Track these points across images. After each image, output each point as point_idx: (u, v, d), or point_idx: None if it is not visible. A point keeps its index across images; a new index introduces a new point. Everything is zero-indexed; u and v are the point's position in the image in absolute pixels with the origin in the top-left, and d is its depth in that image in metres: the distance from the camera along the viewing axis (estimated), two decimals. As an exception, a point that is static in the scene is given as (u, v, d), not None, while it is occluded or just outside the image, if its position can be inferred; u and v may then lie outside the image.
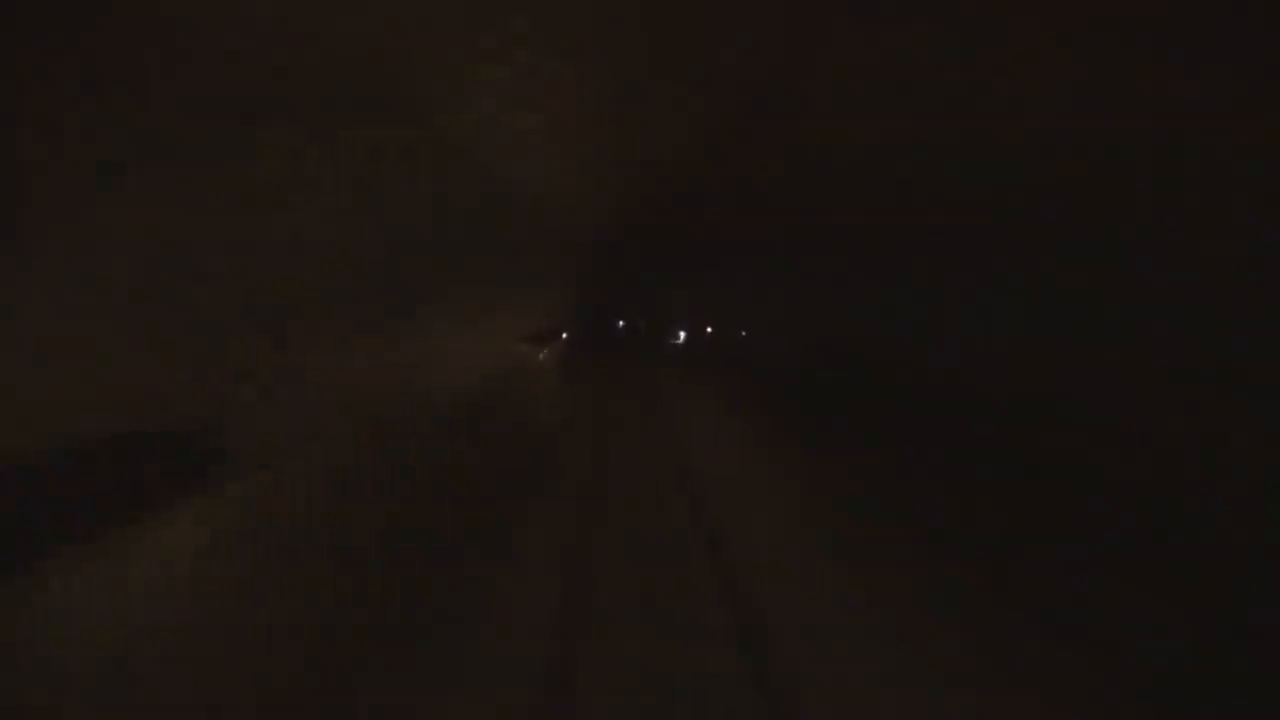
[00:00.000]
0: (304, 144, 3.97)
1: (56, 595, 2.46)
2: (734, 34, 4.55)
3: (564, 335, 20.70)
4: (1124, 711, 2.68)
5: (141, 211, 3.02)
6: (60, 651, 2.43)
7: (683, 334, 28.51)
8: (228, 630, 2.93)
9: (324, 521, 4.25)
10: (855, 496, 5.65)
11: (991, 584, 3.94)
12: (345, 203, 4.76)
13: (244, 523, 3.62)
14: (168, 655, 2.69)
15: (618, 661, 2.85)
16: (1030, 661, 3.02)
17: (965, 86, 4.81)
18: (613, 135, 6.95)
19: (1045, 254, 7.14)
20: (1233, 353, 5.30)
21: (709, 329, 27.59)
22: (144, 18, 2.47)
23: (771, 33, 4.48)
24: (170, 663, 2.65)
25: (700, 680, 2.74)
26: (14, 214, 2.45)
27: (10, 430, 2.64)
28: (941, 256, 9.02)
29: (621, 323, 30.79)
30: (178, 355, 3.53)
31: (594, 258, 20.07)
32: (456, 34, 4.23)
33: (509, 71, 4.97)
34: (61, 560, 2.57)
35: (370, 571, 3.72)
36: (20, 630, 2.29)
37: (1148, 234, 5.56)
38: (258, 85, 3.32)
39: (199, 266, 3.50)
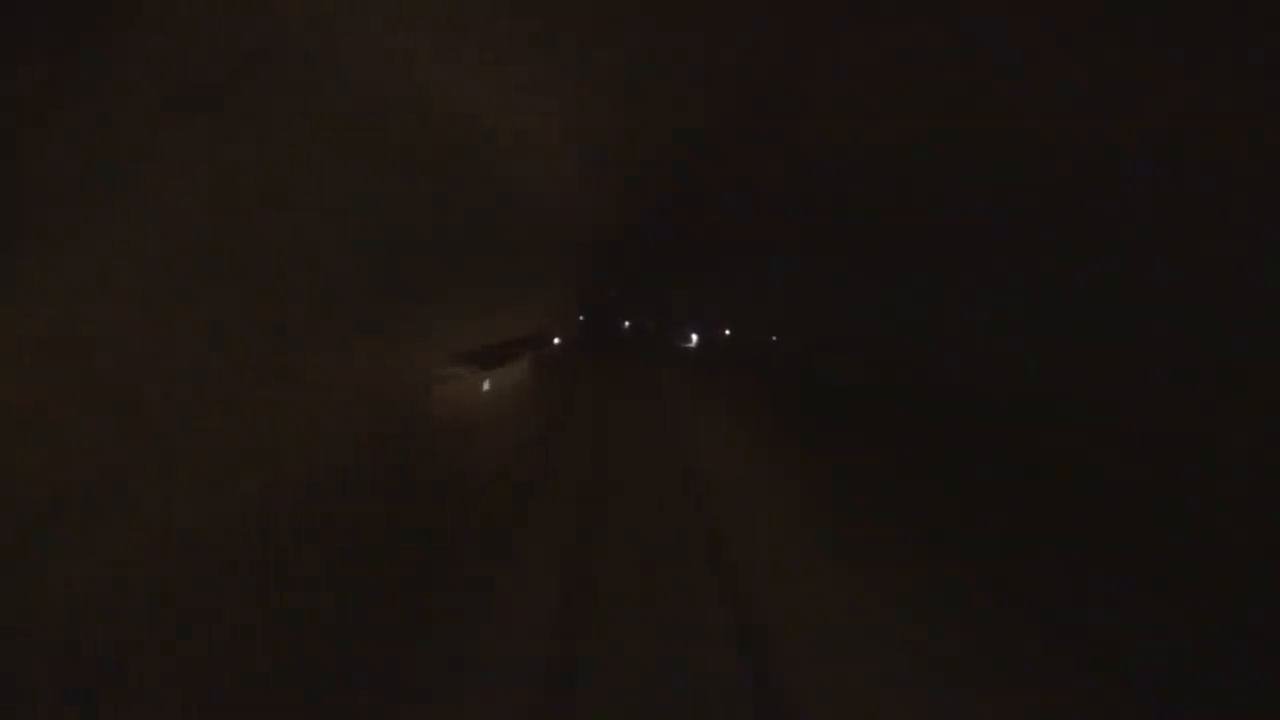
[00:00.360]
0: (304, 144, 3.97)
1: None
2: (734, 34, 4.55)
3: (556, 340, 16.96)
4: (1124, 711, 2.68)
5: (142, 212, 3.02)
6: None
7: (695, 336, 25.19)
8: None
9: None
10: (856, 497, 5.66)
11: (992, 584, 3.94)
12: (345, 203, 4.76)
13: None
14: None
15: (618, 660, 2.85)
16: (1031, 661, 3.02)
17: (965, 86, 4.81)
18: (614, 134, 6.95)
19: (1045, 254, 7.14)
20: (1233, 353, 5.31)
21: (726, 331, 24.39)
22: (145, 18, 2.48)
23: (771, 33, 4.48)
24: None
25: (700, 680, 2.74)
26: (14, 213, 2.45)
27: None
28: (950, 256, 9.01)
29: (627, 323, 28.91)
30: (178, 354, 3.53)
31: (595, 257, 19.77)
32: (458, 35, 4.23)
33: (510, 72, 4.97)
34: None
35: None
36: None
37: (1148, 234, 5.57)
38: (258, 85, 3.32)
39: (201, 265, 3.50)
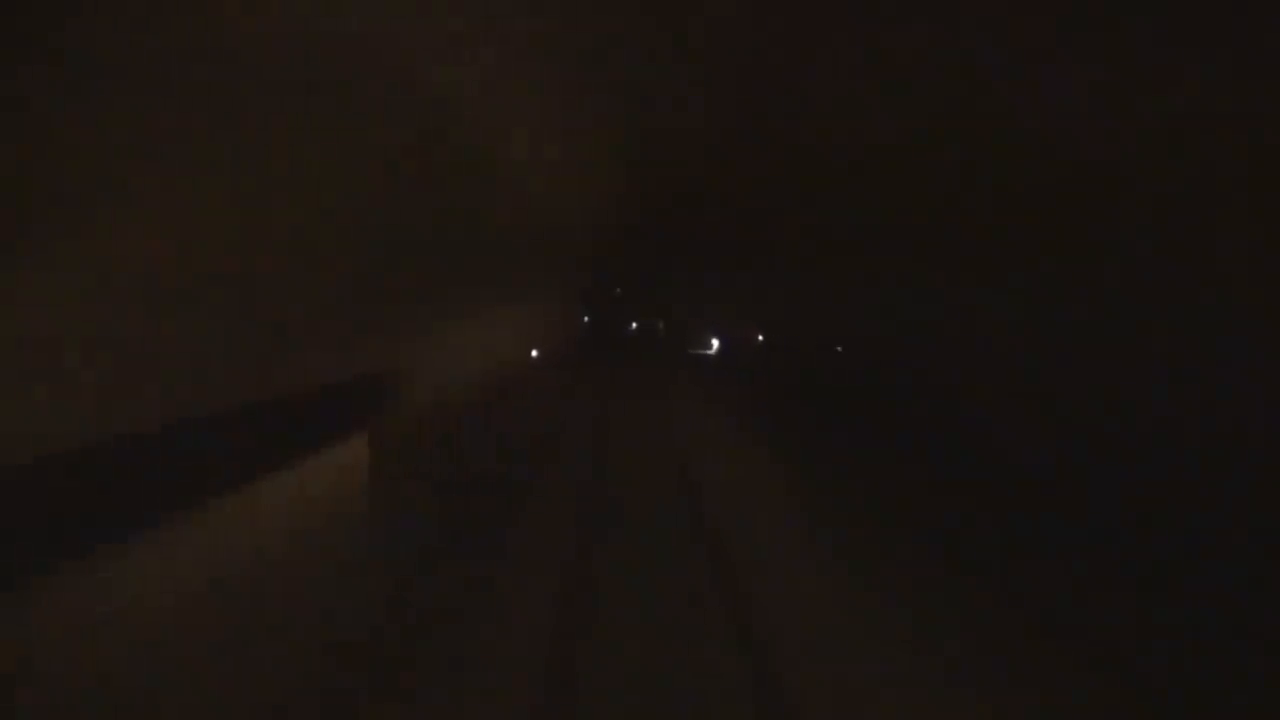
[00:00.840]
0: (304, 144, 3.97)
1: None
2: (735, 34, 4.55)
3: (534, 353, 12.83)
4: (1124, 711, 2.68)
5: (142, 212, 3.02)
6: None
7: (715, 341, 21.07)
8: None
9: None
10: (858, 507, 5.66)
11: (994, 585, 3.94)
12: (344, 203, 4.76)
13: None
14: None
15: (618, 662, 2.84)
16: (1032, 662, 3.02)
17: (966, 86, 4.80)
18: (614, 133, 6.95)
19: (1045, 254, 7.13)
20: (1233, 353, 5.30)
21: (759, 336, 20.11)
22: (145, 18, 2.48)
23: (772, 32, 4.47)
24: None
25: (701, 680, 2.73)
26: (14, 213, 2.45)
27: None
28: (953, 257, 8.99)
29: (634, 325, 26.24)
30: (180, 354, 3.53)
31: (597, 256, 19.44)
32: (459, 36, 4.23)
33: (510, 71, 4.97)
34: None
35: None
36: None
37: (1148, 234, 5.56)
38: (257, 86, 3.32)
39: (199, 267, 3.50)
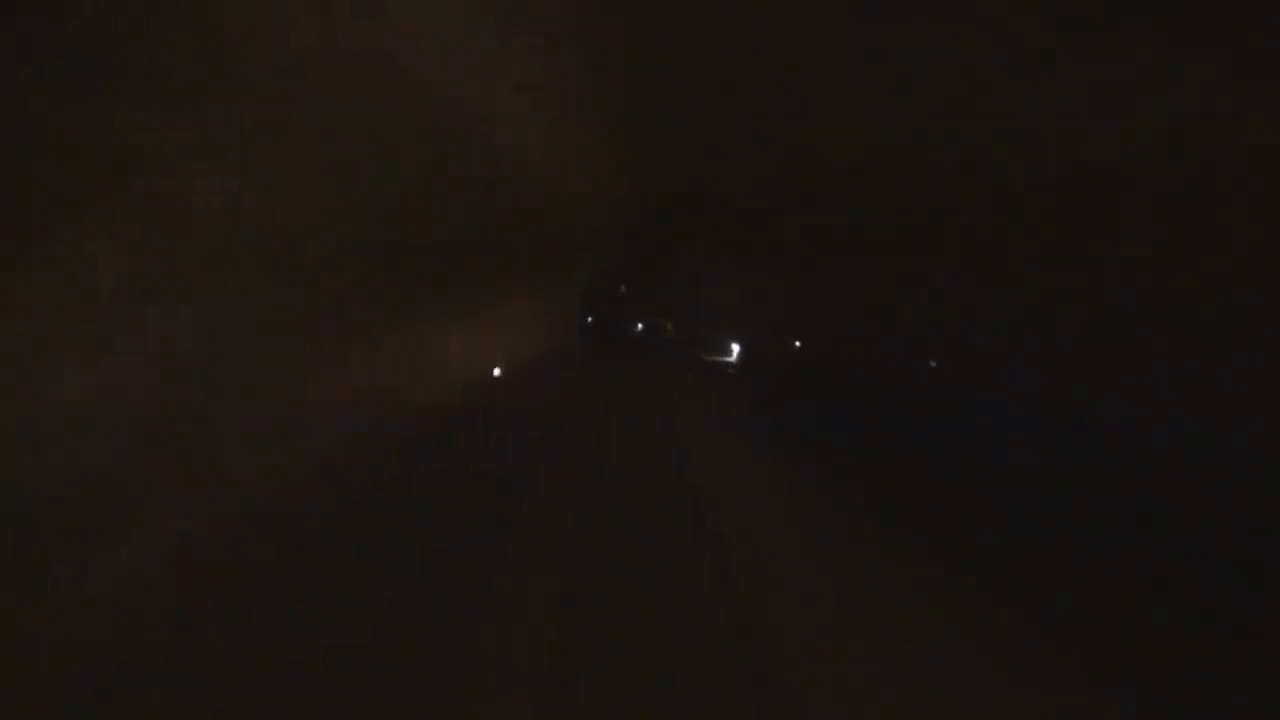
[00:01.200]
0: (304, 145, 3.97)
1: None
2: (735, 34, 4.55)
3: (497, 371, 10.71)
4: (1124, 712, 2.68)
5: (141, 213, 3.02)
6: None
7: (736, 347, 18.47)
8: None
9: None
10: (858, 507, 5.65)
11: (994, 584, 3.94)
12: (343, 203, 4.76)
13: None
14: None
15: (617, 661, 2.85)
16: (1032, 663, 3.02)
17: (965, 86, 4.80)
18: (614, 132, 6.95)
19: (1046, 254, 7.14)
20: (1233, 353, 5.30)
21: (796, 342, 17.83)
22: (144, 15, 2.47)
23: (771, 32, 4.47)
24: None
25: (700, 680, 2.73)
26: (15, 214, 2.45)
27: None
28: (948, 257, 8.99)
29: (640, 325, 24.96)
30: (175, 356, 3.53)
31: (598, 254, 19.31)
32: (460, 36, 4.23)
33: (510, 70, 4.97)
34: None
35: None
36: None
37: (1148, 234, 5.56)
38: (258, 88, 3.32)
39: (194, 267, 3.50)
